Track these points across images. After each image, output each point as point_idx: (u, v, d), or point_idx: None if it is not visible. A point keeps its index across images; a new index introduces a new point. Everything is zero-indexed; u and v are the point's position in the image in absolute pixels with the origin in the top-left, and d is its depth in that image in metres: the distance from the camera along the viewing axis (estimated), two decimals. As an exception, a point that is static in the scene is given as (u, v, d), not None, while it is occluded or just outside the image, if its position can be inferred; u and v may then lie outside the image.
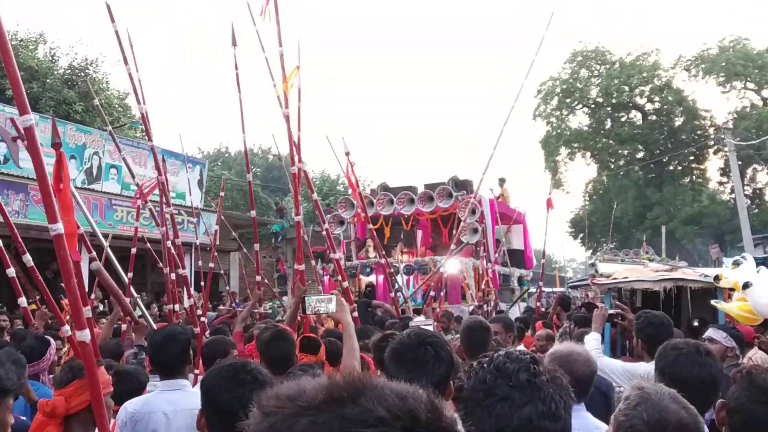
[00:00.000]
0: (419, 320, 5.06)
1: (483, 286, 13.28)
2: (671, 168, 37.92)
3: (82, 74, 21.70)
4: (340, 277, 7.03)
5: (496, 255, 15.07)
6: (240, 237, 16.14)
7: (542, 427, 1.36)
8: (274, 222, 22.28)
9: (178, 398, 3.10)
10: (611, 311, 5.09)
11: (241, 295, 17.25)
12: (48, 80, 19.97)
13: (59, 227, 2.69)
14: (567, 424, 1.40)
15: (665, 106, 37.12)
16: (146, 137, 7.27)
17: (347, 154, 8.66)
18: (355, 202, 16.03)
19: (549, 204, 12.69)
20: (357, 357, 2.88)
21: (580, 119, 39.50)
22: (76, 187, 13.57)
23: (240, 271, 18.02)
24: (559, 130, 38.91)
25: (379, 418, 0.69)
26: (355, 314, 5.50)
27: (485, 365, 1.48)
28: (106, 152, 15.25)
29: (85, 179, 15.05)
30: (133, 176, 8.19)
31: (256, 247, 7.64)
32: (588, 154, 39.21)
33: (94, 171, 15.35)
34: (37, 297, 6.82)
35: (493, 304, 12.10)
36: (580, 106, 38.99)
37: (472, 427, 1.38)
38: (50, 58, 21.80)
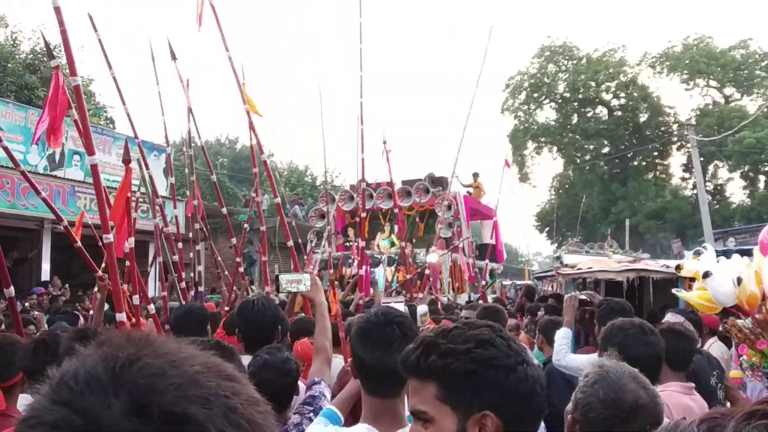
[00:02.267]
0: (390, 300, 5.10)
1: (455, 279, 13.52)
2: (635, 163, 38.53)
3: (45, 59, 21.19)
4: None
5: (471, 249, 15.44)
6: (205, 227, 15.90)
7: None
8: (241, 212, 22.08)
9: None
10: (581, 296, 5.16)
11: (206, 285, 17.10)
12: (9, 64, 19.46)
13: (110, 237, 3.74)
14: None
15: (630, 102, 37.70)
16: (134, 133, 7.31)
17: (384, 142, 9.16)
18: (336, 197, 16.33)
19: (507, 164, 13.35)
20: (329, 336, 2.87)
21: (547, 114, 39.95)
22: (38, 173, 13.31)
23: (206, 261, 17.86)
24: (526, 125, 39.26)
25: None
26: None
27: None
28: (69, 138, 14.94)
29: (47, 166, 14.73)
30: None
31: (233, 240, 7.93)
32: (555, 148, 39.64)
33: (57, 157, 15.03)
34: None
35: (472, 295, 12.32)
36: (547, 100, 39.36)
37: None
38: (12, 42, 21.24)
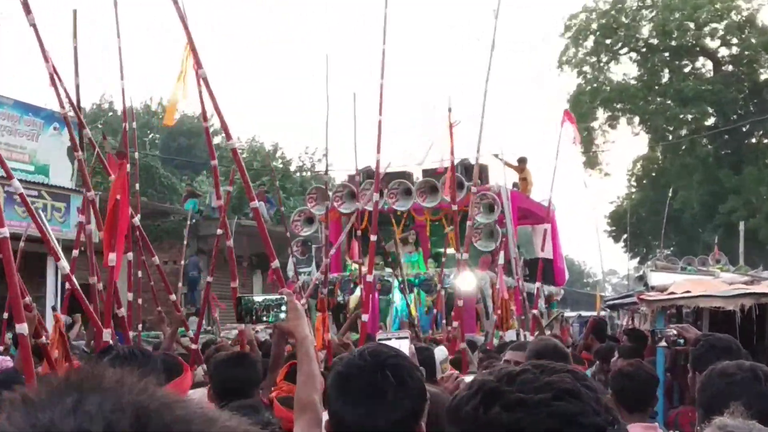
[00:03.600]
0: (390, 336, 5.08)
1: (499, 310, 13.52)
2: (753, 141, 38.57)
3: None
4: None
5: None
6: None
7: None
8: (179, 211, 22.09)
9: None
10: (669, 330, 5.16)
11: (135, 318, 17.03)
12: None
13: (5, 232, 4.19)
14: None
15: (746, 53, 37.64)
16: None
17: (449, 110, 8.67)
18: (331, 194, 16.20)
19: (568, 116, 12.50)
20: (317, 385, 2.87)
21: (625, 69, 40.05)
22: None
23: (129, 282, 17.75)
24: (595, 84, 39.30)
25: None
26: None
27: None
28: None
29: None
30: None
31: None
32: (636, 119, 39.73)
33: None
34: None
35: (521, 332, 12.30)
36: (625, 50, 39.41)
37: None
38: None
